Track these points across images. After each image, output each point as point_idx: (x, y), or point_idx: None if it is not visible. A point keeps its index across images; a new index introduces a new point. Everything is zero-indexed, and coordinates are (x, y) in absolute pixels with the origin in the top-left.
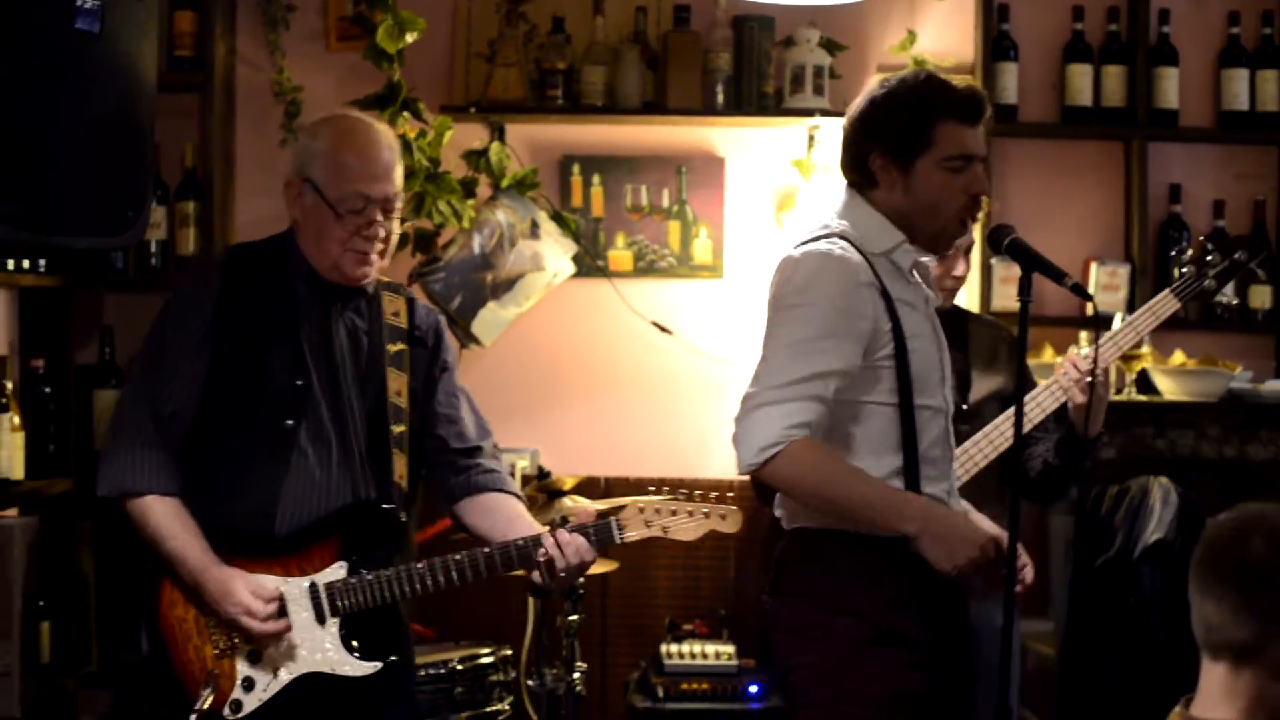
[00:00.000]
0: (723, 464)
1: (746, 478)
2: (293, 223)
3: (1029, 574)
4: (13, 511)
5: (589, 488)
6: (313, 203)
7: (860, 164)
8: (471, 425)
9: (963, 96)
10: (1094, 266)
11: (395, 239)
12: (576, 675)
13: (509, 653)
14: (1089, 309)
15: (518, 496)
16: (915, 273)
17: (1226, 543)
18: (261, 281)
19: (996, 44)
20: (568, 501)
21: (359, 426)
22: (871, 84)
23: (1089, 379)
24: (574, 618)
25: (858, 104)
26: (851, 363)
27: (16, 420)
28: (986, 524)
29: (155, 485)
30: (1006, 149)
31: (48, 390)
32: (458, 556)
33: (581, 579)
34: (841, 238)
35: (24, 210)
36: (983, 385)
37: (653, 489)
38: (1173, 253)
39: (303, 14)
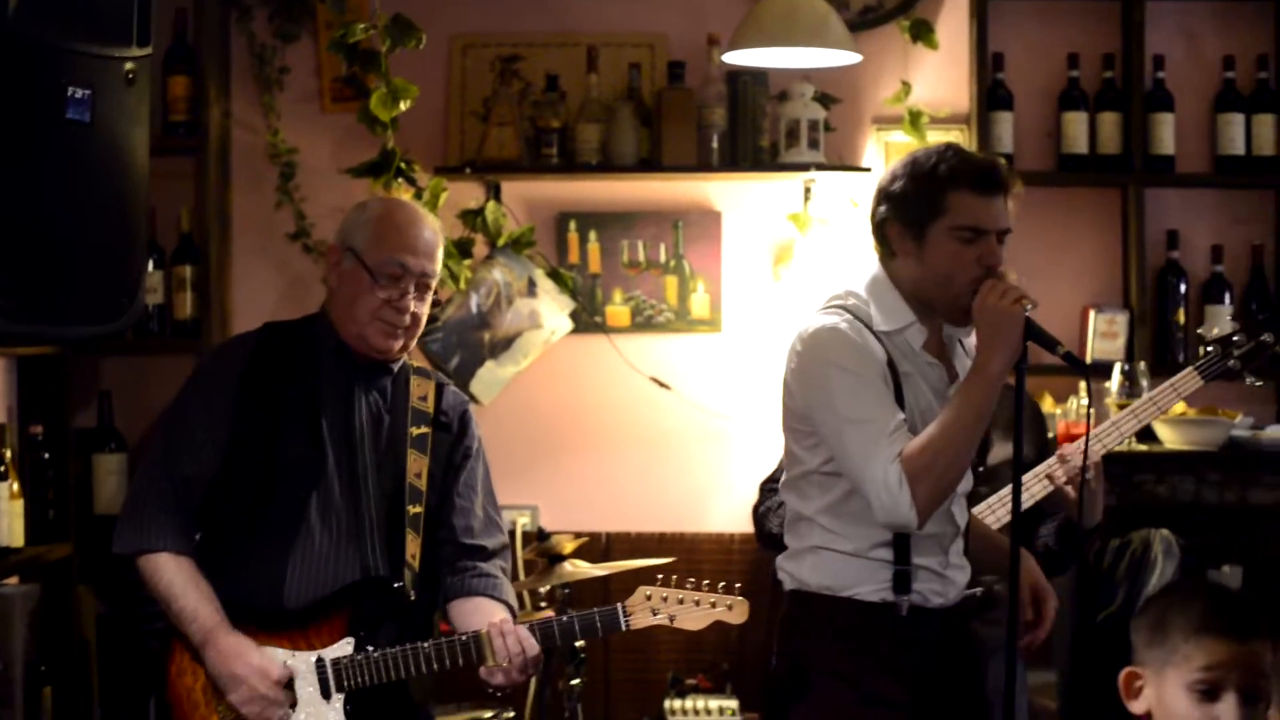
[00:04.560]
0: (723, 518)
1: (746, 530)
2: (328, 292)
3: (1041, 634)
4: (13, 579)
5: (590, 545)
6: (351, 268)
7: (880, 231)
8: (481, 522)
9: (978, 167)
10: (1092, 314)
11: (423, 321)
12: None
13: (511, 715)
14: (1088, 358)
15: (509, 606)
16: (937, 351)
17: None
18: (289, 357)
19: (992, 93)
20: (568, 566)
21: (373, 504)
22: (902, 156)
23: (1082, 474)
24: (576, 681)
25: (883, 174)
26: (902, 413)
27: (15, 487)
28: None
29: (169, 544)
30: None
31: (46, 456)
32: (463, 637)
33: (581, 643)
34: (849, 312)
35: (18, 302)
36: (1001, 450)
37: (660, 576)
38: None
39: (297, 75)
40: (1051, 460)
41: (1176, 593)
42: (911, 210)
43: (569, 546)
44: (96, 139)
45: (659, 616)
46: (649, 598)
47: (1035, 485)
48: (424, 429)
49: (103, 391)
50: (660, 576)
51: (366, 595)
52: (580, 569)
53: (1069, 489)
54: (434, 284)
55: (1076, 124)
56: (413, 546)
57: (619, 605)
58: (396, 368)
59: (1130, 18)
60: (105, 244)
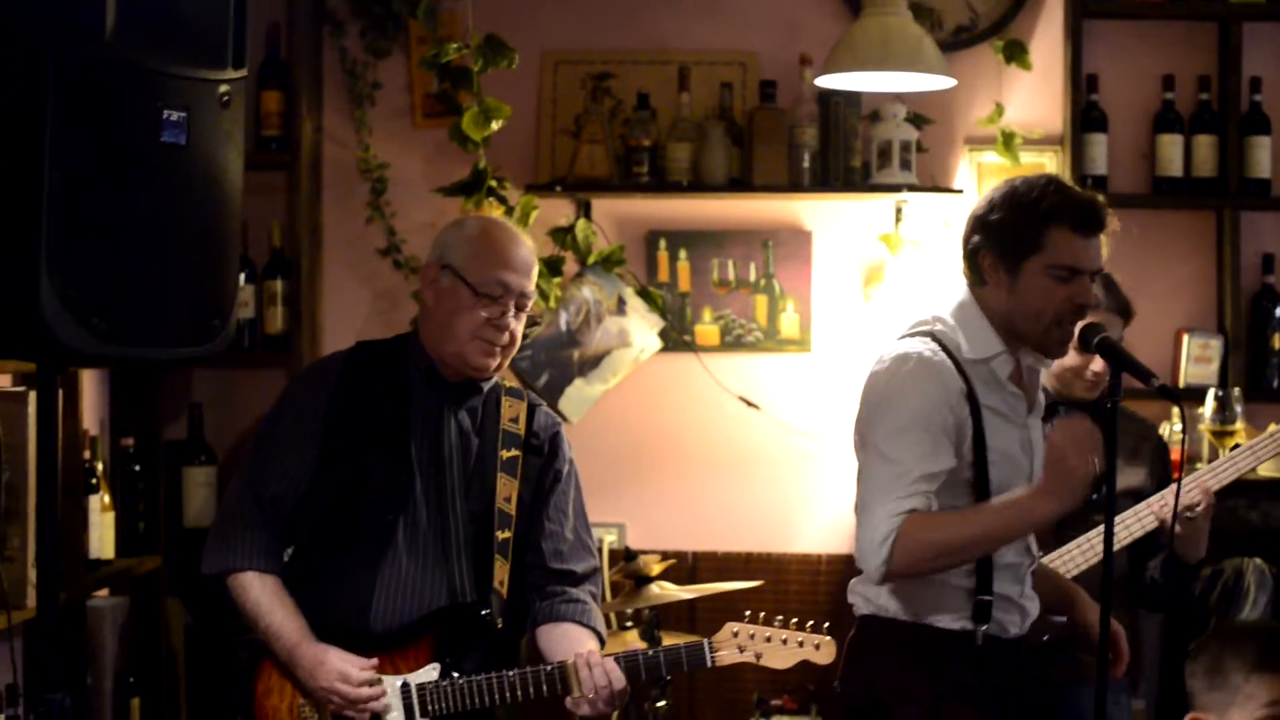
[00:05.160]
0: (810, 539)
1: (834, 551)
2: (421, 310)
3: (1120, 669)
4: (103, 592)
5: (676, 566)
6: (450, 285)
7: (972, 260)
8: (570, 545)
9: (1080, 205)
10: (1186, 339)
11: (519, 341)
12: None
13: None
14: (1180, 382)
15: (597, 634)
16: (1019, 380)
17: None
18: (379, 377)
19: (1086, 115)
20: (655, 589)
21: (460, 528)
22: (998, 183)
23: (1186, 514)
24: (662, 704)
25: (978, 200)
26: (948, 462)
27: (107, 500)
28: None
29: (255, 563)
30: None
31: (137, 468)
32: (549, 667)
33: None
34: (935, 339)
35: (111, 323)
36: (1122, 477)
37: (748, 613)
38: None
39: (388, 91)
40: (1164, 493)
41: (1226, 636)
42: (1008, 243)
43: (656, 568)
44: (191, 162)
45: (745, 654)
46: (736, 634)
47: (1132, 520)
48: (514, 452)
49: (193, 404)
50: (748, 613)
51: (453, 621)
52: (668, 591)
53: (1167, 522)
54: (530, 304)
55: (1171, 146)
56: (500, 573)
57: (705, 641)
58: (487, 388)
59: (1227, 39)
60: (198, 267)
